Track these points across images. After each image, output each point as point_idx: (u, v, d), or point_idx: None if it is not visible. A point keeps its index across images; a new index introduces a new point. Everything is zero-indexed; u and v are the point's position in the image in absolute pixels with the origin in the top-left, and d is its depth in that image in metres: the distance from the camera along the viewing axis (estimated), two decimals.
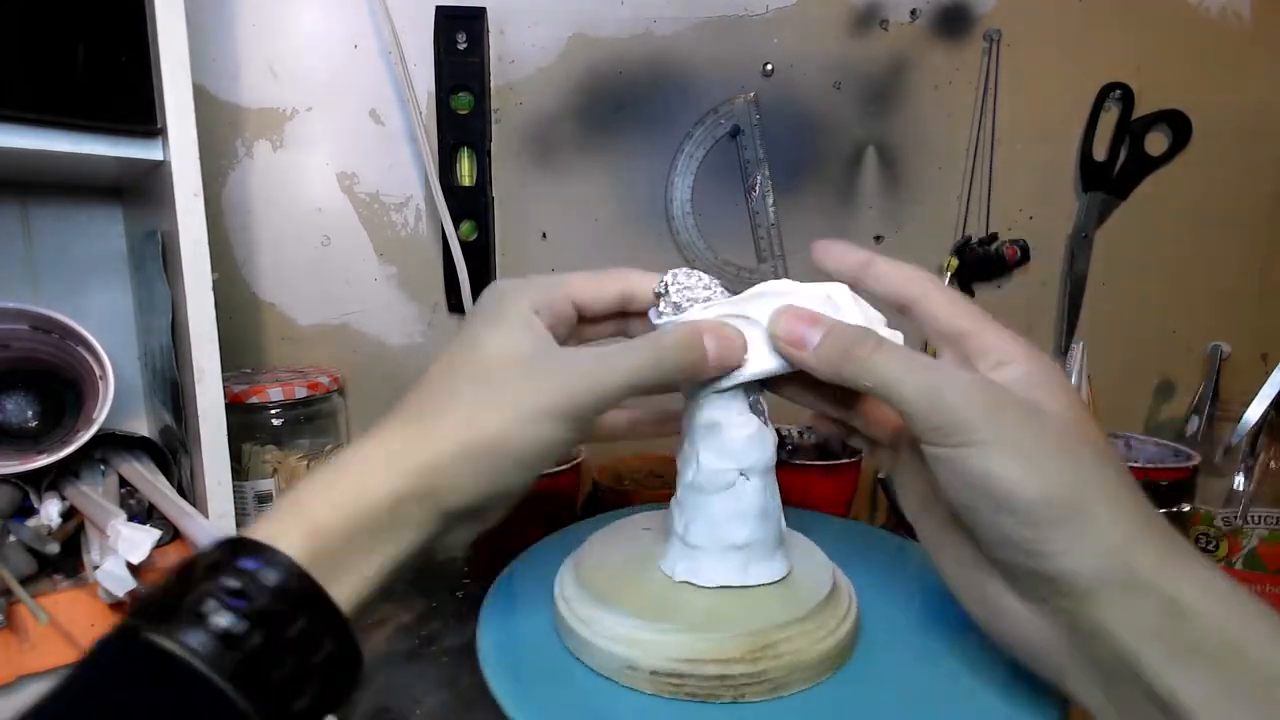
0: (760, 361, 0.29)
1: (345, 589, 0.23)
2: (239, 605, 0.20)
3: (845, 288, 0.29)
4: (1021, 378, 0.25)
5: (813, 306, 0.28)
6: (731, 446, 0.29)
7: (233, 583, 0.20)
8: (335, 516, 0.23)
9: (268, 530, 0.22)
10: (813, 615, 0.28)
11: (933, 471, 0.24)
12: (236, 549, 0.21)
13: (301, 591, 0.21)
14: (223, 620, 0.19)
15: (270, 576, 0.20)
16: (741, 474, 0.29)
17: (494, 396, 0.25)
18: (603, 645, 0.28)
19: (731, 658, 0.26)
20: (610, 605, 0.29)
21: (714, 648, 0.26)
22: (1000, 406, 0.23)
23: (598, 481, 0.58)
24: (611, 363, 0.26)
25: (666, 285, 0.30)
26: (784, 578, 0.31)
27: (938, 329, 0.28)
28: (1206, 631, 0.20)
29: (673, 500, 0.32)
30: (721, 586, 0.30)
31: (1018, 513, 0.22)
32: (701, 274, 0.30)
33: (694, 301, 0.29)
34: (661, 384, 0.27)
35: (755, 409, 0.30)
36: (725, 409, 0.30)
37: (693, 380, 0.29)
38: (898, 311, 0.30)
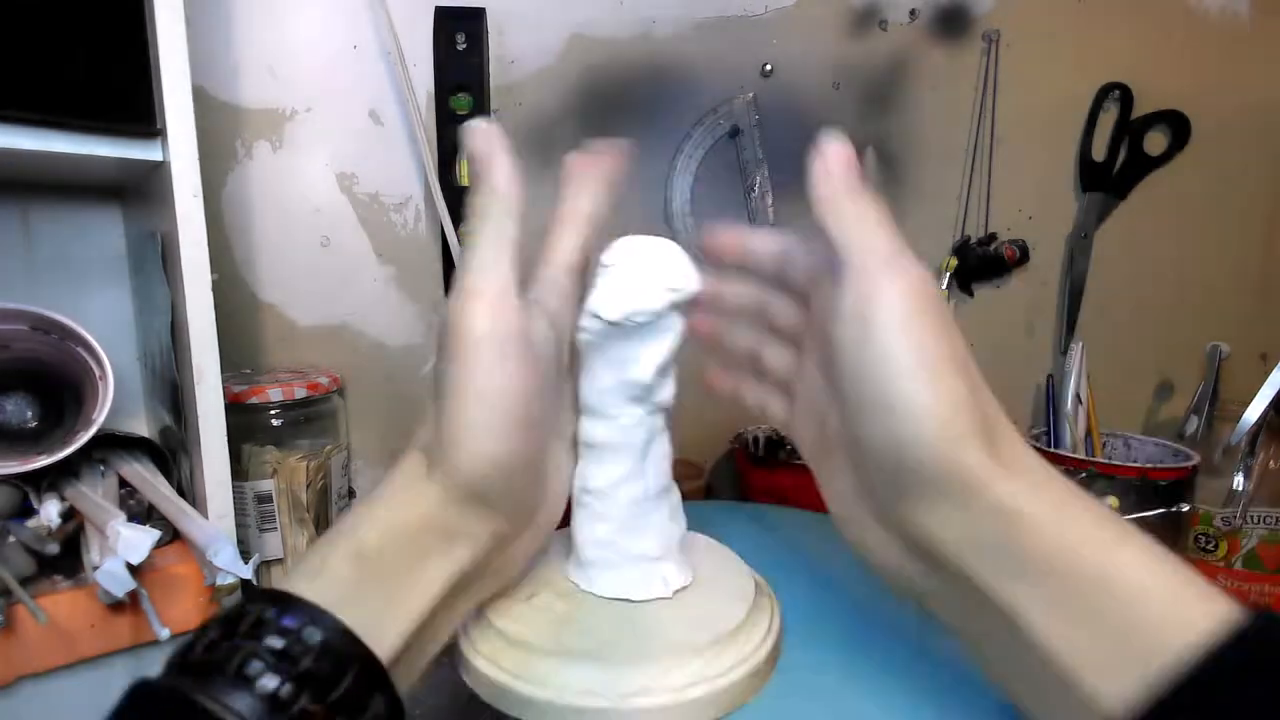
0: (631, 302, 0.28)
1: (397, 621, 0.22)
2: (284, 667, 0.19)
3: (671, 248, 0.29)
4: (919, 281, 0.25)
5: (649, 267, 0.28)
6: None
7: (277, 642, 0.20)
8: (374, 533, 0.23)
9: (310, 564, 0.22)
10: (717, 642, 0.27)
11: (835, 333, 0.24)
12: (279, 604, 0.21)
13: (346, 650, 0.20)
14: (269, 683, 0.19)
15: (315, 635, 0.20)
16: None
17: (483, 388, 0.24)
18: (519, 689, 0.26)
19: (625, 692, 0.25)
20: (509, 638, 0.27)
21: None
22: (920, 304, 0.24)
23: None
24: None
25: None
26: (687, 586, 0.30)
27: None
28: (1045, 543, 0.20)
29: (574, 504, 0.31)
30: (617, 599, 0.29)
31: (904, 418, 0.22)
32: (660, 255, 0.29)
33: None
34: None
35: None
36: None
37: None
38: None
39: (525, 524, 0.27)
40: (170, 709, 0.19)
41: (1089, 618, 0.19)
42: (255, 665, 0.19)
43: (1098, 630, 0.19)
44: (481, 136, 0.27)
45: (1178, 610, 0.18)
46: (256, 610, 0.20)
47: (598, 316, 0.28)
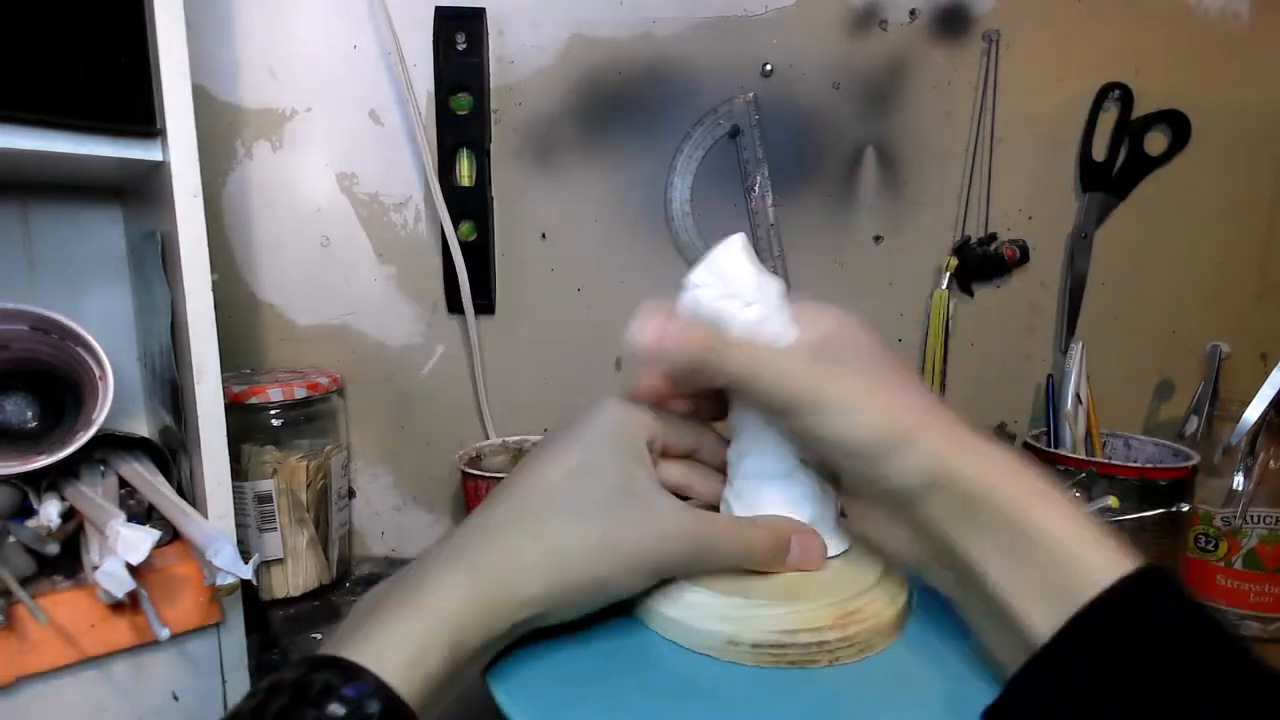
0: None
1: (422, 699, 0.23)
2: None
3: (738, 243, 0.31)
4: (830, 333, 0.29)
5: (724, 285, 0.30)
6: (790, 437, 0.31)
7: (339, 710, 0.21)
8: (426, 630, 0.24)
9: (368, 652, 0.23)
10: (881, 582, 0.30)
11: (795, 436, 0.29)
12: (339, 672, 0.22)
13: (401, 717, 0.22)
14: None
15: (373, 706, 0.21)
16: (801, 461, 0.32)
17: (589, 528, 0.27)
18: (699, 625, 0.29)
19: (824, 625, 0.28)
20: (698, 587, 0.30)
21: (807, 619, 0.28)
22: (823, 377, 0.27)
23: None
24: (709, 534, 0.29)
25: (712, 271, 0.30)
26: (845, 551, 0.33)
27: None
28: (997, 510, 0.25)
29: (727, 492, 0.33)
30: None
31: (860, 456, 0.27)
32: (746, 258, 0.31)
33: (734, 297, 0.30)
34: (745, 565, 0.30)
35: None
36: None
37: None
38: None
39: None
40: None
41: (1027, 562, 0.24)
42: None
43: (1033, 571, 0.24)
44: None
45: (1092, 557, 0.23)
46: (318, 676, 0.22)
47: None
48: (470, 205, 0.61)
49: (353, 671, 0.22)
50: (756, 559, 0.30)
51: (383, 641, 0.23)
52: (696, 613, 0.29)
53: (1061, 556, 0.23)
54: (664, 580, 0.30)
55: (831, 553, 0.33)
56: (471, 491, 0.58)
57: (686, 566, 0.29)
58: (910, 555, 0.28)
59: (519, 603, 0.26)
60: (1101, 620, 0.22)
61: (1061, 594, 0.23)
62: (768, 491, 0.32)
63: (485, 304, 0.63)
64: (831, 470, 0.30)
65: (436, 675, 0.23)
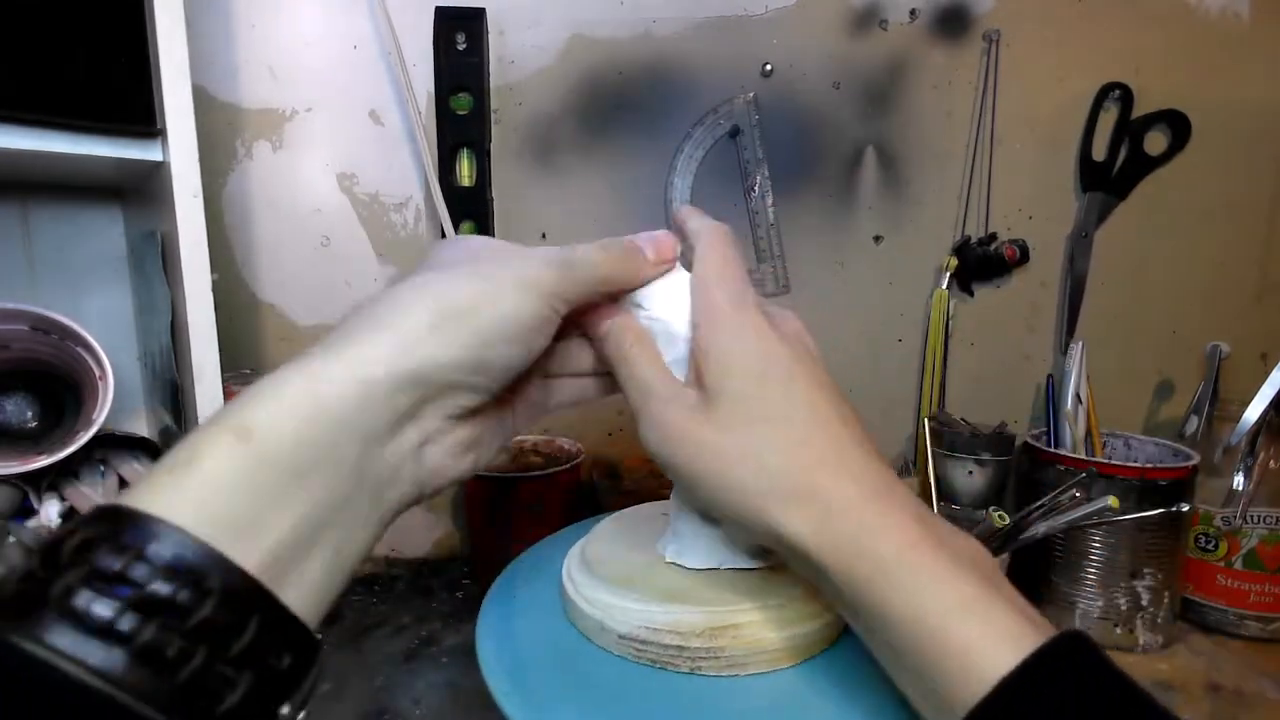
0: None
1: (282, 519, 0.18)
2: (123, 592, 0.15)
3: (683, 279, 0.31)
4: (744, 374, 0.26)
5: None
6: None
7: (113, 564, 0.15)
8: (286, 423, 0.19)
9: (178, 456, 0.18)
10: (786, 604, 0.29)
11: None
12: (113, 521, 0.16)
13: (206, 566, 0.16)
14: (103, 612, 0.15)
15: (162, 552, 0.16)
16: None
17: (467, 271, 0.24)
18: (581, 606, 0.30)
19: (689, 631, 0.28)
20: (594, 574, 0.31)
21: (675, 621, 0.28)
22: (696, 437, 0.25)
23: (596, 481, 0.58)
24: (583, 253, 0.27)
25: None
26: (770, 565, 0.31)
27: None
28: (861, 585, 0.23)
29: (673, 490, 0.33)
30: (707, 569, 0.31)
31: (733, 522, 0.26)
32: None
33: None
34: (622, 284, 0.29)
35: None
36: None
37: (633, 284, 0.30)
38: None
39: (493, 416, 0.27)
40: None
41: (906, 671, 0.22)
42: (84, 595, 0.15)
43: (913, 681, 0.22)
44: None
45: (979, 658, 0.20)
46: (85, 532, 0.16)
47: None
48: (470, 205, 0.61)
49: (128, 518, 0.16)
50: (631, 266, 0.29)
51: (191, 463, 0.18)
52: (580, 594, 0.30)
53: (931, 656, 0.21)
54: (584, 566, 0.31)
55: (752, 564, 0.32)
56: (471, 491, 0.58)
57: (562, 278, 0.25)
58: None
59: (383, 352, 0.21)
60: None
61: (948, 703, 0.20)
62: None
63: None
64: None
65: (290, 465, 0.18)
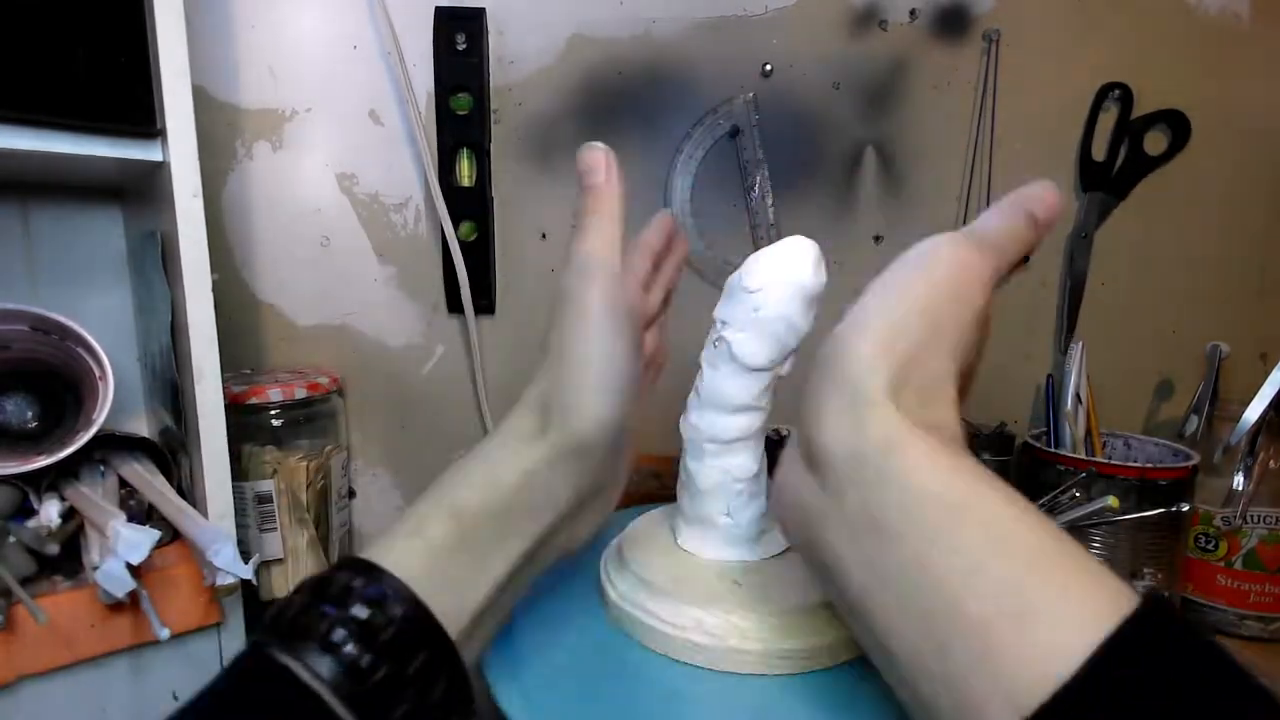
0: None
1: (478, 587, 0.24)
2: (367, 638, 0.21)
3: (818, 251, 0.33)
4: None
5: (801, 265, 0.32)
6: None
7: (362, 612, 0.21)
8: (474, 492, 0.25)
9: (408, 524, 0.24)
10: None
11: None
12: (366, 574, 0.22)
13: (424, 627, 0.22)
14: (351, 651, 0.20)
15: (396, 609, 0.22)
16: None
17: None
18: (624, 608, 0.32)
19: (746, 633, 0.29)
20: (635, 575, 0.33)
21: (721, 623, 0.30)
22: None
23: None
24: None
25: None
26: (777, 554, 0.35)
27: None
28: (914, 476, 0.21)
29: (679, 483, 0.36)
30: (718, 559, 0.34)
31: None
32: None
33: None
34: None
35: None
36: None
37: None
38: None
39: (602, 490, 0.29)
40: (260, 669, 0.21)
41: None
42: (340, 633, 0.21)
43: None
44: (596, 151, 0.30)
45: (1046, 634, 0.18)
46: (345, 579, 0.22)
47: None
48: (470, 205, 0.61)
49: (372, 572, 0.22)
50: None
51: (418, 531, 0.24)
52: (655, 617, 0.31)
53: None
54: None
55: (768, 553, 0.34)
56: None
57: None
58: (800, 503, 0.25)
59: (554, 449, 0.26)
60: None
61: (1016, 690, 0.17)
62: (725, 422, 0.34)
63: (485, 304, 0.63)
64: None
65: (440, 544, 0.24)
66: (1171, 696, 0.16)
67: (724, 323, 0.32)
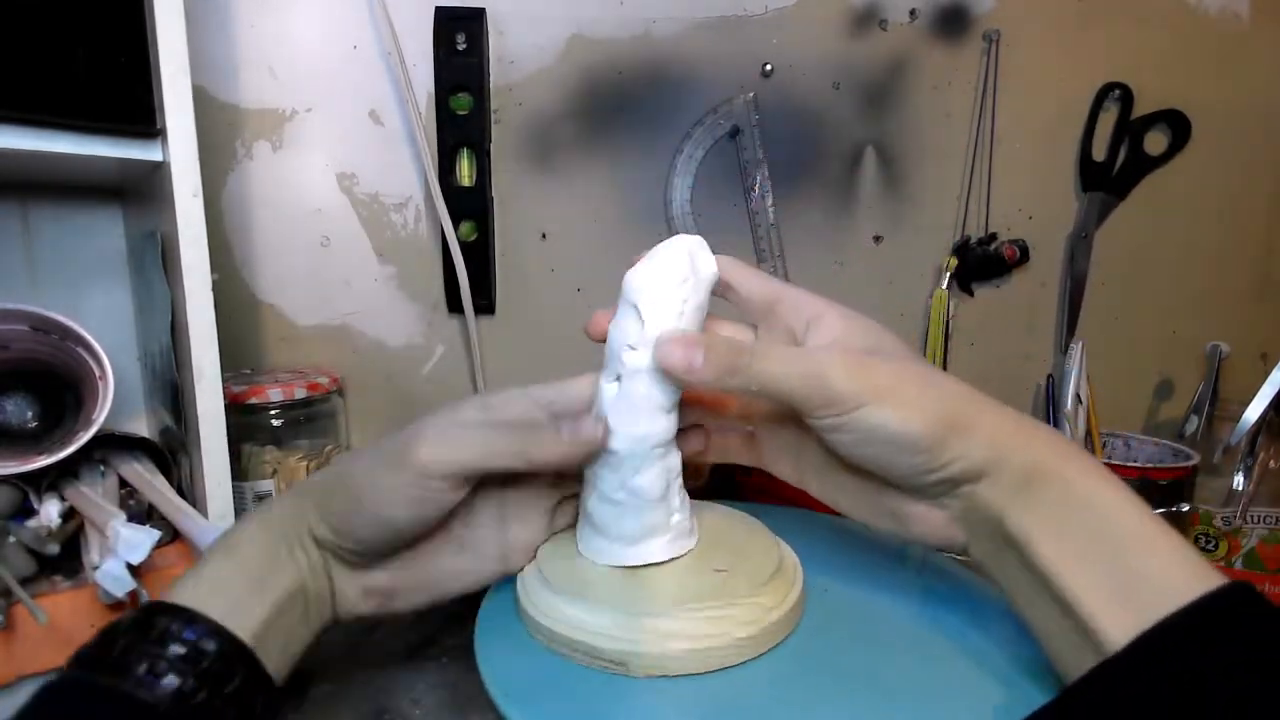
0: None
1: (257, 606, 0.27)
2: (187, 669, 0.24)
3: (697, 241, 0.30)
4: (848, 330, 0.29)
5: (677, 268, 0.29)
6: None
7: (179, 649, 0.25)
8: (244, 535, 0.29)
9: (195, 568, 0.28)
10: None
11: (826, 438, 0.28)
12: (180, 619, 0.25)
13: (234, 654, 0.26)
14: (174, 681, 0.24)
15: (210, 644, 0.25)
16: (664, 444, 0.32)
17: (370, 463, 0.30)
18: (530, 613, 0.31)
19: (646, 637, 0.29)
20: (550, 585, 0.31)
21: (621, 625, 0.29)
22: (867, 368, 0.27)
23: None
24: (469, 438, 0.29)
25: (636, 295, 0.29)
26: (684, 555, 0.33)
27: (752, 305, 0.32)
28: (1047, 481, 0.26)
29: (584, 487, 0.34)
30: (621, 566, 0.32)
31: (914, 446, 0.26)
32: (674, 262, 0.29)
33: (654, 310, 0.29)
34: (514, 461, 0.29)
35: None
36: None
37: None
38: (718, 295, 0.32)
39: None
40: (89, 697, 0.24)
41: (1076, 527, 0.25)
42: (163, 667, 0.24)
43: (1101, 566, 0.24)
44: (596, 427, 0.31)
45: (1171, 563, 0.23)
46: (165, 622, 0.25)
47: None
48: (470, 205, 0.61)
49: (190, 616, 0.25)
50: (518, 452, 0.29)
51: (200, 571, 0.28)
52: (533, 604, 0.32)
53: (1133, 552, 0.23)
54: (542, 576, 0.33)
55: (680, 550, 0.33)
56: None
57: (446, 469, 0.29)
58: (950, 535, 0.29)
59: (286, 513, 0.30)
60: (1185, 636, 0.22)
61: (1136, 599, 0.23)
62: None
63: (485, 304, 0.63)
64: (872, 468, 0.28)
65: (241, 597, 0.27)
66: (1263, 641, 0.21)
67: (630, 347, 0.29)
